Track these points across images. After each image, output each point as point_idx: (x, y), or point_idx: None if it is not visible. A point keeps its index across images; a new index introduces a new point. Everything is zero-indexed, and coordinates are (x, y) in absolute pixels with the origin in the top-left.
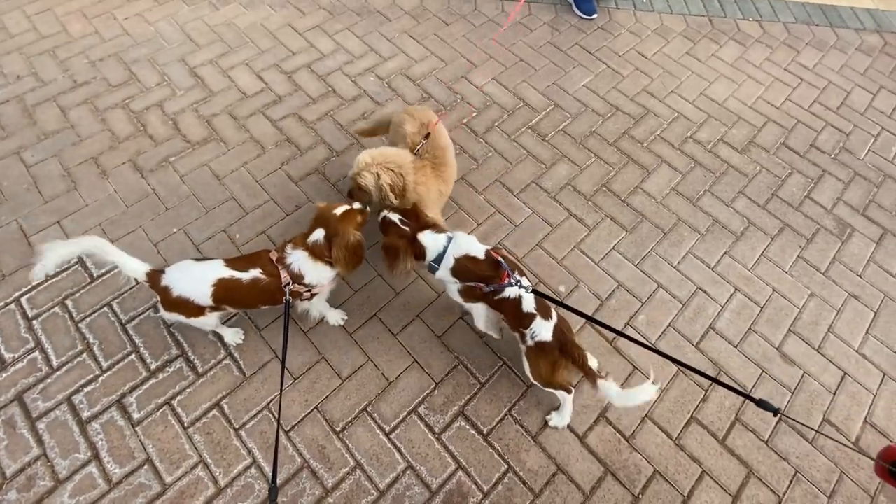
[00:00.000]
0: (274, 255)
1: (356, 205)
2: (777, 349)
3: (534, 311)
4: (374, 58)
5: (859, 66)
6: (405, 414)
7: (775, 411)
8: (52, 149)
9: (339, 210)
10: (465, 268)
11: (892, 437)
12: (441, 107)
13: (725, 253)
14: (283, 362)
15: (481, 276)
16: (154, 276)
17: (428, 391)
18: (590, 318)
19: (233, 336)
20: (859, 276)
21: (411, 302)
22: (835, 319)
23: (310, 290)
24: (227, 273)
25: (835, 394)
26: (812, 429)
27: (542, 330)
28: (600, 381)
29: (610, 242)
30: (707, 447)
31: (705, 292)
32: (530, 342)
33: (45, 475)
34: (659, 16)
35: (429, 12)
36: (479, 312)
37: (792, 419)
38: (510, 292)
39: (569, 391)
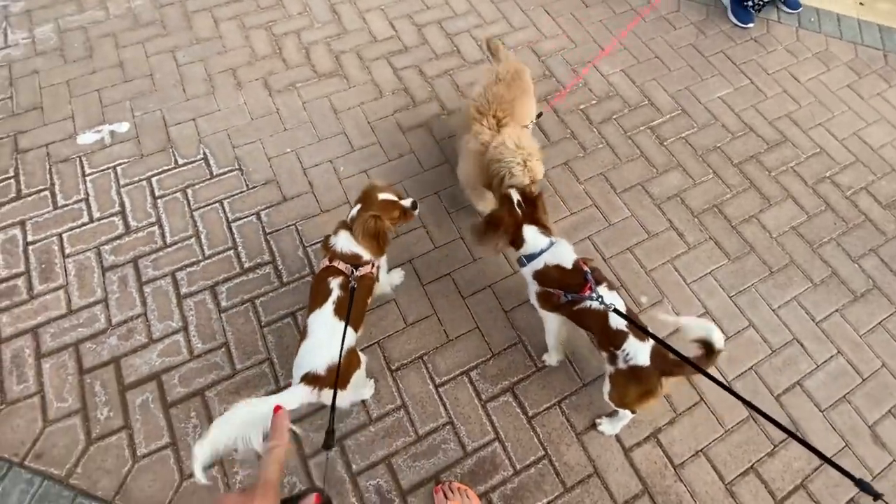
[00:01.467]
0: (325, 261)
1: (406, 202)
2: (869, 427)
3: (625, 330)
4: (504, 25)
5: None
6: (457, 373)
7: (876, 495)
8: (200, 53)
9: (382, 195)
10: (549, 275)
11: None
12: (560, 86)
13: (837, 311)
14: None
15: (562, 284)
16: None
17: (483, 359)
18: (663, 343)
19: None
20: None
21: (486, 271)
22: None
23: (372, 266)
24: (336, 322)
25: None
26: None
27: (638, 353)
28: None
29: (708, 266)
30: (761, 501)
31: (802, 345)
32: (622, 365)
33: (142, 332)
34: (825, 38)
35: None
36: (552, 326)
37: None
38: (595, 304)
39: (634, 412)
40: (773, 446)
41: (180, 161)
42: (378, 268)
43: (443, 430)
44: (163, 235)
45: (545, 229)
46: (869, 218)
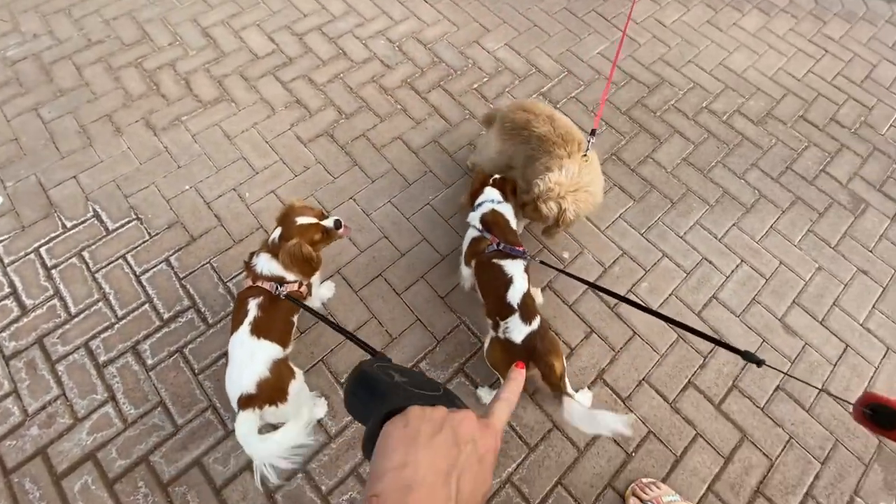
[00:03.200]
0: (247, 282)
1: (328, 221)
2: (780, 320)
3: (516, 307)
4: (385, 20)
5: (888, 39)
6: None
7: (759, 362)
8: (67, 105)
9: (301, 218)
10: (494, 219)
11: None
12: (452, 71)
13: (734, 224)
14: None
15: (501, 233)
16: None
17: (430, 348)
18: (592, 285)
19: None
20: (870, 251)
21: (416, 264)
22: (841, 293)
23: (299, 286)
24: (254, 340)
25: (835, 365)
26: (795, 379)
27: (515, 330)
28: (566, 399)
29: (616, 211)
30: (703, 411)
31: (711, 262)
32: (500, 334)
33: (65, 413)
34: None
35: None
36: (468, 279)
37: (774, 367)
38: (507, 265)
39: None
40: (703, 358)
41: (68, 224)
42: (309, 285)
43: None
44: (65, 307)
45: (503, 195)
46: (745, 136)
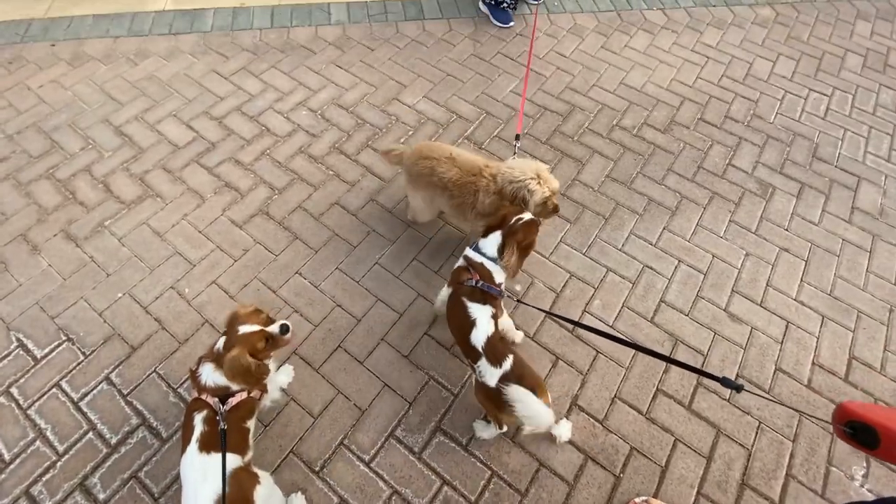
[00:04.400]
0: (195, 393)
1: (274, 327)
2: (724, 310)
3: (480, 351)
4: (304, 92)
5: (757, 38)
6: (383, 440)
7: (738, 388)
8: None
9: (243, 327)
10: (478, 269)
11: (838, 373)
12: (377, 130)
13: (664, 228)
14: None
15: (481, 275)
16: None
17: (403, 413)
18: (548, 313)
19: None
20: (786, 229)
21: (374, 327)
22: (771, 274)
23: (248, 393)
24: (205, 458)
25: (782, 343)
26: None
27: (487, 374)
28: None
29: (556, 236)
30: (676, 416)
31: (652, 268)
32: (477, 376)
33: None
34: (571, 16)
35: (352, 40)
36: (443, 296)
37: (756, 392)
38: (472, 308)
39: (500, 427)
40: (665, 363)
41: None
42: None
43: (389, 503)
44: None
45: (504, 245)
46: (656, 145)
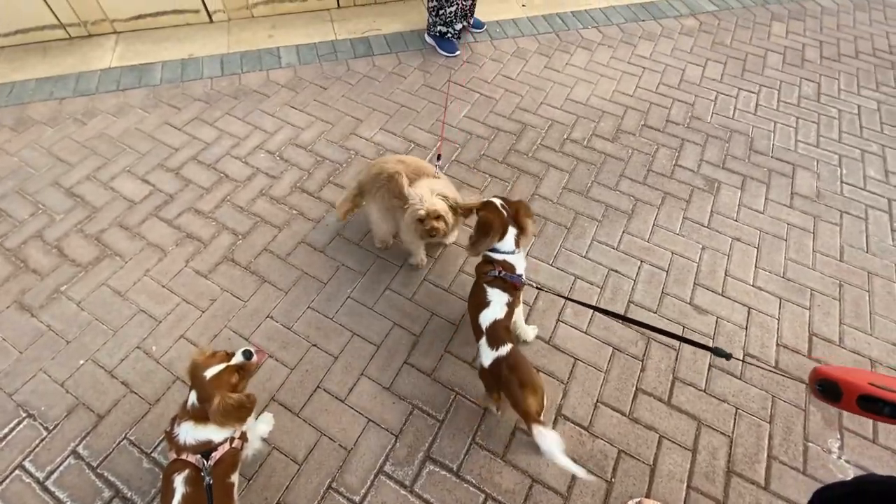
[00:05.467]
0: (172, 455)
1: (237, 358)
2: (690, 304)
3: (482, 330)
4: (260, 135)
5: (686, 47)
6: (372, 478)
7: (728, 356)
8: None
9: (209, 371)
10: (504, 264)
11: (801, 351)
12: (338, 165)
13: (623, 231)
14: None
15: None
16: None
17: (390, 447)
18: (584, 303)
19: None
20: (735, 220)
21: (352, 362)
22: (728, 263)
23: (231, 442)
24: None
25: (746, 328)
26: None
27: (484, 355)
28: (536, 427)
29: (523, 251)
30: (657, 413)
31: (617, 271)
32: (477, 356)
33: None
34: (513, 40)
35: (304, 81)
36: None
37: (743, 360)
38: (490, 291)
39: (497, 409)
40: (640, 361)
41: None
42: (243, 432)
43: None
44: None
45: (523, 232)
46: (607, 154)
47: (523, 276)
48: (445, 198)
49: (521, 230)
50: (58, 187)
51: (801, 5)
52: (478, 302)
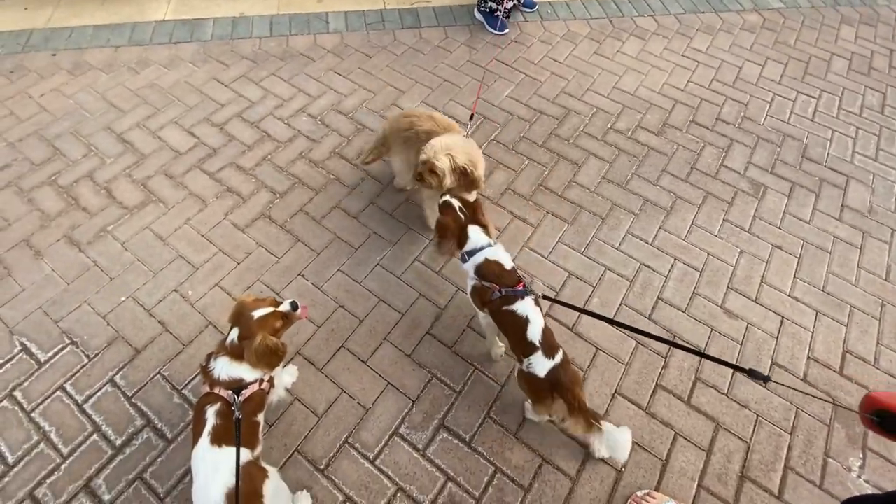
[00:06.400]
0: (205, 388)
1: (284, 306)
2: (720, 307)
3: (537, 344)
4: (303, 98)
5: (745, 43)
6: (387, 438)
7: (766, 379)
8: None
9: (257, 312)
10: (489, 269)
11: (833, 367)
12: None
13: (660, 227)
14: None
15: (499, 280)
16: None
17: (406, 411)
18: (580, 310)
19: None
20: (778, 227)
21: (377, 327)
22: (765, 271)
23: (260, 384)
24: (216, 452)
25: (777, 338)
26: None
27: (538, 365)
28: (607, 425)
29: (555, 237)
30: (675, 410)
31: (649, 267)
32: (525, 368)
33: None
34: (564, 23)
35: (350, 48)
36: (485, 322)
37: (782, 384)
38: (518, 308)
39: (562, 419)
40: (663, 359)
41: None
42: (271, 378)
43: (395, 500)
44: (2, 458)
45: (486, 228)
46: (651, 147)
47: (528, 286)
48: (454, 157)
49: (483, 226)
50: (109, 132)
51: (875, 10)
52: (517, 324)
